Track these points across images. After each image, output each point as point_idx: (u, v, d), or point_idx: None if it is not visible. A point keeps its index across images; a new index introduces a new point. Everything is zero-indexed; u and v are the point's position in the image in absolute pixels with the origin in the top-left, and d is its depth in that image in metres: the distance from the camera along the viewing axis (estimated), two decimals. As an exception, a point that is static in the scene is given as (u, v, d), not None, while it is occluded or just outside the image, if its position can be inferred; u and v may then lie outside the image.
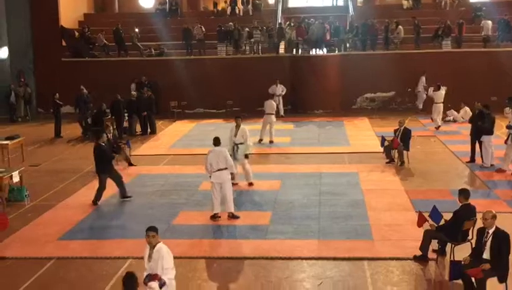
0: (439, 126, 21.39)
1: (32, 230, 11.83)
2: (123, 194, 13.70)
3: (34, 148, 19.91)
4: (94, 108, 21.91)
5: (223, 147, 12.32)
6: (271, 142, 19.61)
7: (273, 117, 19.75)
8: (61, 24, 27.90)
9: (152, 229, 7.76)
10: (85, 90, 22.84)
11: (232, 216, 12.08)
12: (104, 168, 13.50)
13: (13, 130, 21.35)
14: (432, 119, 21.98)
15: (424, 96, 24.69)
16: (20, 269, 9.99)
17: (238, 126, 14.28)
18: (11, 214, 12.67)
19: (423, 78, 25.00)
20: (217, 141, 12.27)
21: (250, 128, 15.41)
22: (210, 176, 12.14)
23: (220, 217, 12.09)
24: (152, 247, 7.71)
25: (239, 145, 14.22)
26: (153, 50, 27.64)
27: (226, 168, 11.99)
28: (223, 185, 12.00)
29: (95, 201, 13.46)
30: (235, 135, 14.27)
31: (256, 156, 16.68)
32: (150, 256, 7.72)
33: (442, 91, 21.72)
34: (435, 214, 9.87)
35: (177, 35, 28.24)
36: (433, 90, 21.98)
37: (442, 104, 21.60)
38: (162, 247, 7.67)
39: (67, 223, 12.11)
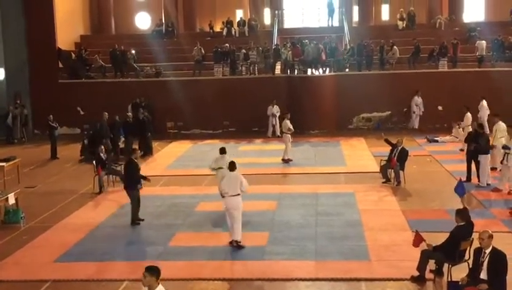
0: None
1: (27, 252, 11.75)
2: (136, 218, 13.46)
3: (30, 169, 19.84)
4: (90, 129, 21.88)
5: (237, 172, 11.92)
6: (283, 160, 19.68)
7: (288, 136, 19.80)
8: (57, 45, 28.00)
9: (149, 269, 6.57)
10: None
11: (236, 245, 11.57)
12: (134, 184, 13.36)
13: (9, 151, 21.24)
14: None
15: (419, 113, 24.82)
16: (16, 292, 9.92)
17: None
18: (7, 236, 12.59)
19: (416, 98, 25.15)
20: (232, 166, 11.90)
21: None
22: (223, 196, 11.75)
23: (238, 241, 11.59)
24: None
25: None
26: (154, 69, 27.69)
27: (238, 194, 11.56)
28: (233, 212, 11.52)
29: (137, 220, 13.29)
30: None
31: (253, 177, 16.66)
32: None
33: (468, 114, 20.71)
34: (460, 187, 9.88)
35: (174, 56, 28.37)
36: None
37: (470, 127, 19.95)
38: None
39: (63, 245, 12.05)
